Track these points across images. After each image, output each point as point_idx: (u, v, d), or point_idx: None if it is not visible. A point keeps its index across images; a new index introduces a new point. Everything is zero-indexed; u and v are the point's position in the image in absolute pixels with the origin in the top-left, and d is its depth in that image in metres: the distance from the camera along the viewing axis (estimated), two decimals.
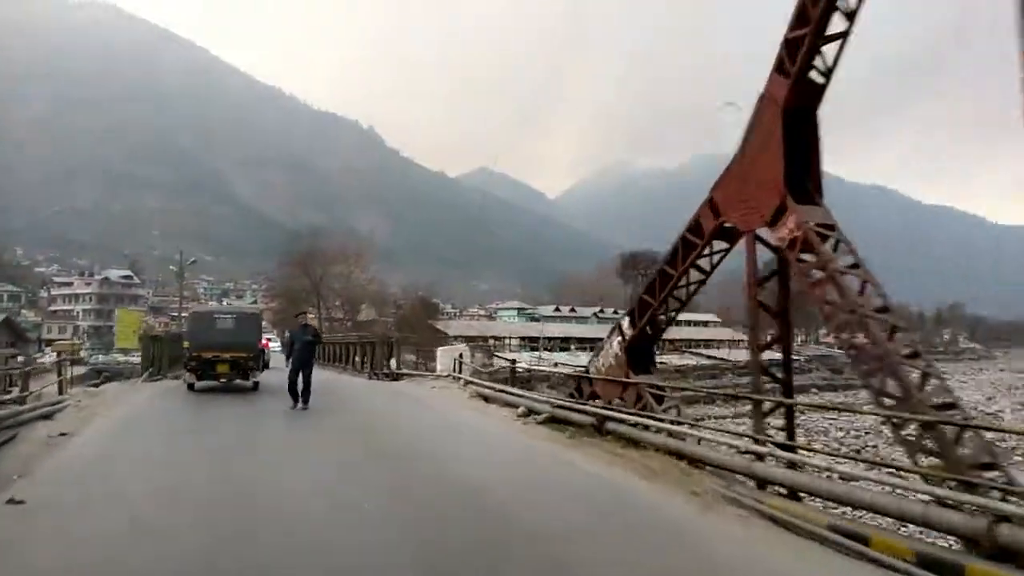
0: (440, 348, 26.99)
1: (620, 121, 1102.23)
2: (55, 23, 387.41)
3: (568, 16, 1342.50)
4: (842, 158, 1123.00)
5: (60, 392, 17.79)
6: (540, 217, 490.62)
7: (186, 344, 20.06)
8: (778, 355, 13.04)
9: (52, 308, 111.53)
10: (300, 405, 14.78)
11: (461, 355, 22.60)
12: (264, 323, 33.52)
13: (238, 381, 19.61)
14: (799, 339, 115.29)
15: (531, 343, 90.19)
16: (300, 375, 14.89)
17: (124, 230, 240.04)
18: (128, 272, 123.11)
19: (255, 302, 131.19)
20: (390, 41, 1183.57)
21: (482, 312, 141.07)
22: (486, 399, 16.66)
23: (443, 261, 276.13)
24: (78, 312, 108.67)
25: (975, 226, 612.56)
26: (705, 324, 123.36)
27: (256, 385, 19.56)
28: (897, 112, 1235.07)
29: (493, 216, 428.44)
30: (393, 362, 26.58)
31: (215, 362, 19.16)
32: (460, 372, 21.29)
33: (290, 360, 15.32)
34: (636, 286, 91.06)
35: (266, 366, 21.13)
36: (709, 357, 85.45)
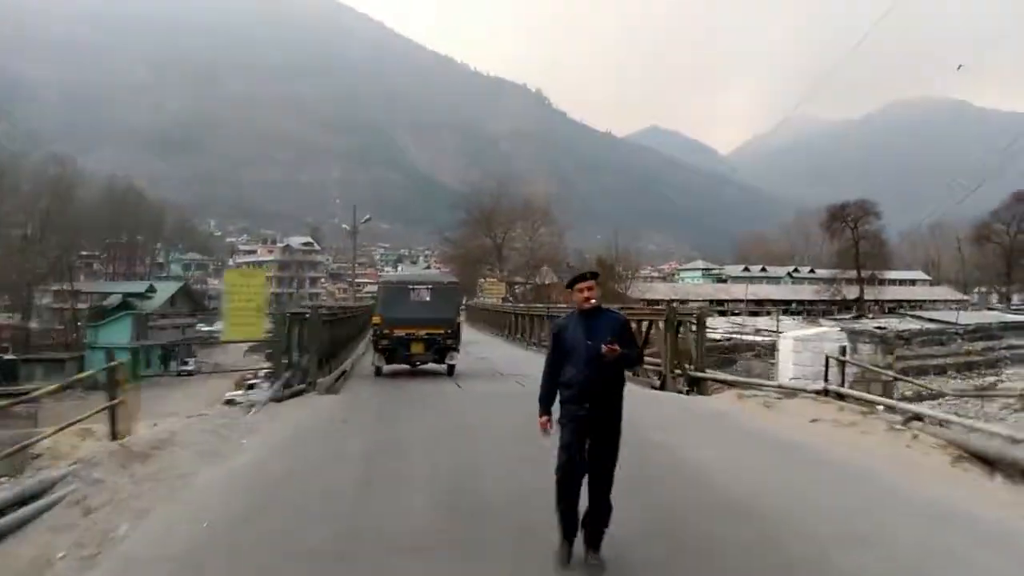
0: (785, 336, 17.88)
1: (798, 72, 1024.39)
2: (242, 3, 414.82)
3: None
4: None
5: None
6: (711, 175, 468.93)
7: (376, 320, 17.25)
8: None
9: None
10: (592, 558, 4.82)
11: (843, 349, 13.71)
12: None
13: (431, 365, 17.10)
14: None
15: (718, 307, 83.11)
16: (586, 457, 4.84)
17: (310, 200, 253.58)
18: (309, 239, 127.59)
19: (428, 267, 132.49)
20: (557, 2, 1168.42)
21: (655, 274, 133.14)
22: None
23: (612, 222, 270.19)
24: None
25: None
26: (912, 283, 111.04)
27: (451, 369, 16.98)
28: None
29: (662, 175, 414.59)
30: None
31: (409, 341, 16.63)
32: (838, 381, 11.95)
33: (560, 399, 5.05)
34: (843, 241, 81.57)
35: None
36: (933, 320, 74.38)
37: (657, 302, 73.18)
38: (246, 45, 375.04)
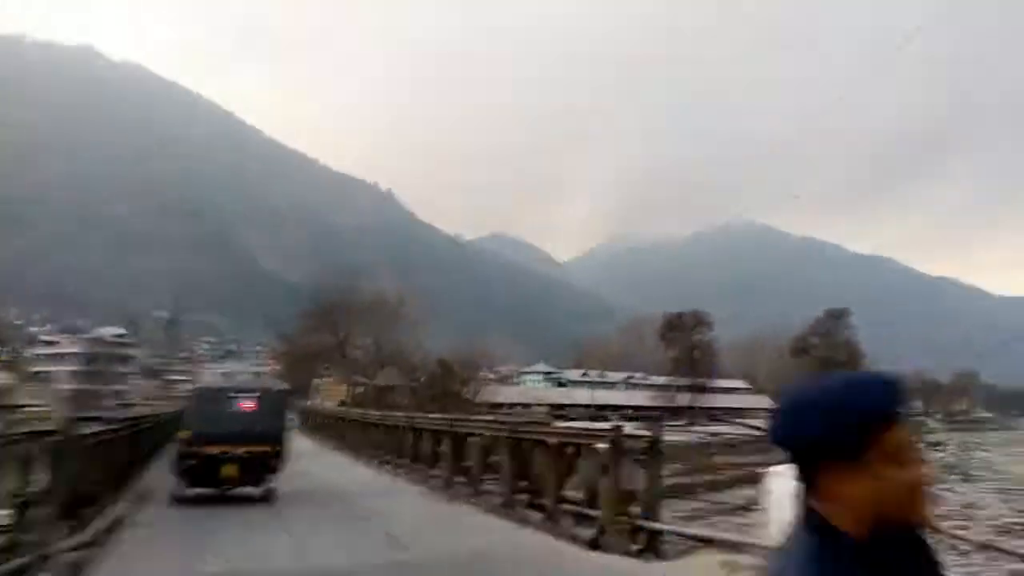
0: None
1: (631, 191, 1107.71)
2: (85, 82, 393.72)
3: (591, 87, 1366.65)
4: (845, 227, 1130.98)
5: None
6: (552, 280, 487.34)
7: (183, 435, 14.41)
8: None
9: (35, 369, 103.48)
10: None
11: None
12: None
13: (247, 488, 14.23)
14: None
15: (557, 411, 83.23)
16: None
17: (132, 289, 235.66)
18: (122, 330, 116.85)
19: (258, 365, 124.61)
20: (408, 106, 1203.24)
21: (491, 376, 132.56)
22: None
23: (456, 323, 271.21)
24: (61, 374, 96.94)
25: (978, 298, 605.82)
26: (734, 391, 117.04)
27: (270, 494, 14.17)
28: (901, 186, 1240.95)
29: (504, 279, 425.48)
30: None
31: (222, 461, 13.91)
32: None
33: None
34: (678, 348, 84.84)
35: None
36: (757, 428, 78.17)
37: (500, 405, 72.39)
38: (73, 122, 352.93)
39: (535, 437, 13.70)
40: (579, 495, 11.89)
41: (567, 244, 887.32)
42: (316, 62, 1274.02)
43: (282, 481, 14.90)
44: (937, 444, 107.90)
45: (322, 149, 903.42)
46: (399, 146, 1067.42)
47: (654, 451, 10.72)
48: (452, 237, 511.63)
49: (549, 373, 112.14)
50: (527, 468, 13.77)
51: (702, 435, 69.84)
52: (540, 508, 12.65)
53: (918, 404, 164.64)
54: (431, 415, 24.86)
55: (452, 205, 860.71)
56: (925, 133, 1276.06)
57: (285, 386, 18.72)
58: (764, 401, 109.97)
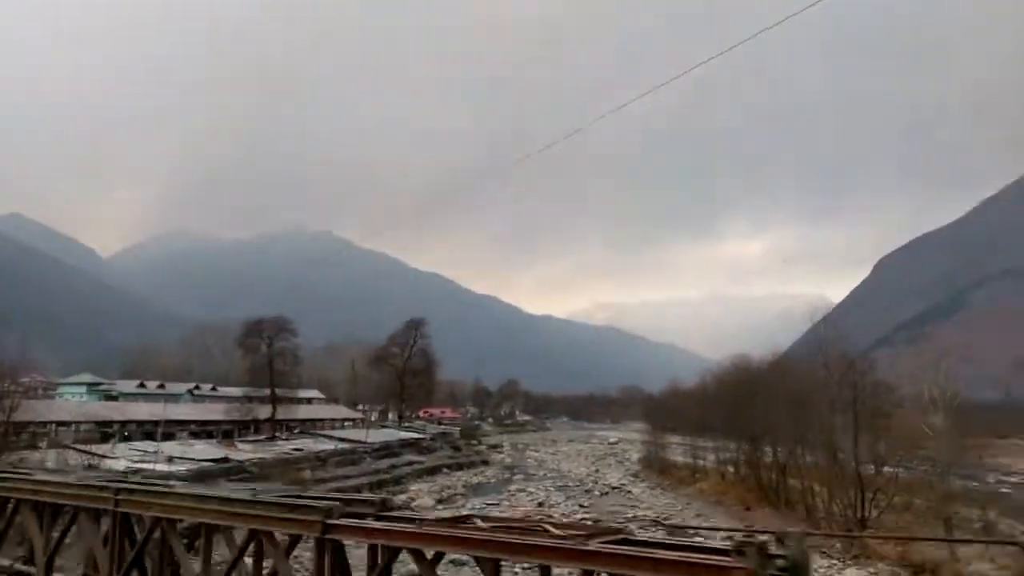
0: None
1: (185, 186, 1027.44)
2: None
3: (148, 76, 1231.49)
4: (408, 246, 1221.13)
5: None
6: (90, 278, 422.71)
7: None
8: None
9: None
10: None
11: None
12: None
13: None
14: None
15: (103, 428, 67.73)
16: None
17: None
18: None
19: None
20: None
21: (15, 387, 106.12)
22: None
23: None
24: None
25: (515, 315, 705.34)
26: (309, 401, 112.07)
27: None
28: (455, 212, 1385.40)
29: (23, 270, 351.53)
30: None
31: None
32: None
33: None
34: (259, 357, 76.10)
35: None
36: (343, 439, 73.45)
37: (27, 424, 55.53)
38: None
39: None
40: None
41: (109, 238, 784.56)
42: None
43: None
44: (496, 446, 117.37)
45: None
46: None
47: None
48: None
49: (96, 384, 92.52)
50: None
51: (289, 450, 62.72)
52: None
53: (475, 410, 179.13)
54: None
55: None
56: (477, 167, 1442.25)
57: None
58: (341, 411, 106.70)
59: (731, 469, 62.71)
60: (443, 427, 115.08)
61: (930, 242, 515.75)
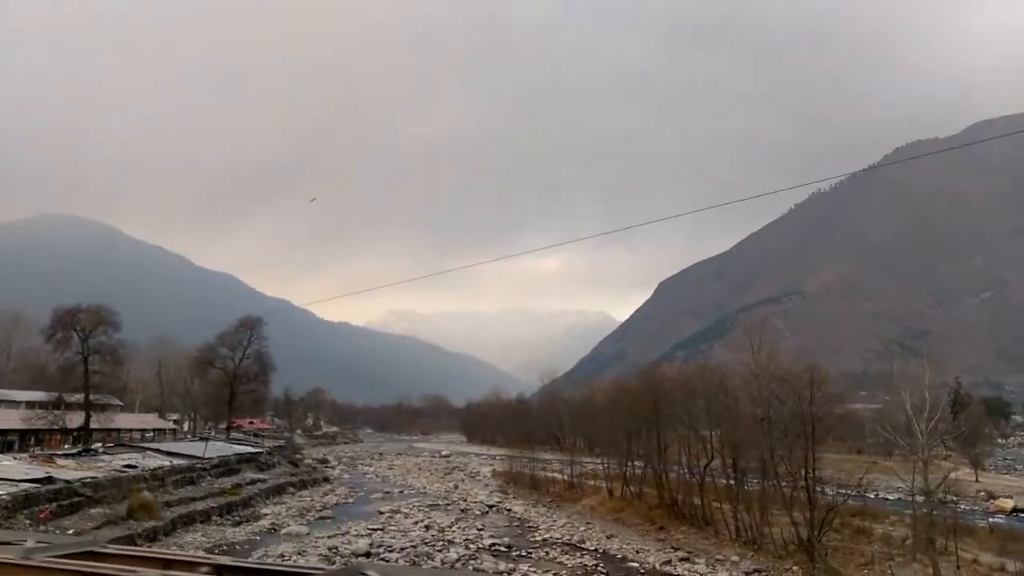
0: None
1: None
2: None
3: None
4: (196, 243, 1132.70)
5: None
6: None
7: None
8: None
9: None
10: None
11: None
12: None
13: None
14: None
15: None
16: None
17: None
18: None
19: None
20: None
21: None
22: None
23: None
24: None
25: (310, 322, 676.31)
26: (104, 407, 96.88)
27: None
28: (246, 213, 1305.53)
29: None
30: None
31: None
32: None
33: None
34: (68, 350, 63.28)
35: None
36: (176, 454, 62.30)
37: None
38: None
39: None
40: None
41: None
42: None
43: None
44: (324, 461, 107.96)
45: None
46: None
47: None
48: None
49: None
50: None
51: (121, 467, 51.61)
52: None
53: (284, 421, 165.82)
54: None
55: None
56: (272, 171, 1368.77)
57: None
58: (149, 420, 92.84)
59: (626, 486, 59.41)
60: (280, 441, 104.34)
61: (704, 268, 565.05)
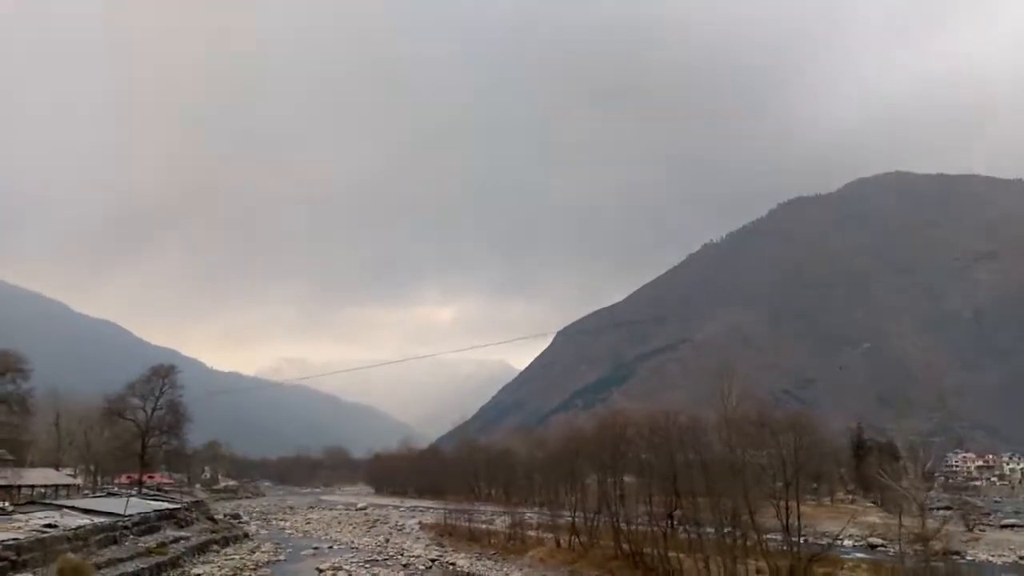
0: None
1: None
2: None
3: None
4: (74, 289, 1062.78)
5: None
6: None
7: None
8: None
9: None
10: None
11: None
12: None
13: None
14: None
15: None
16: None
17: None
18: None
19: None
20: None
21: None
22: None
23: None
24: None
25: (198, 372, 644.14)
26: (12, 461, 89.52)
27: None
28: (130, 260, 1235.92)
29: None
30: None
31: None
32: None
33: None
34: None
35: None
36: (93, 511, 57.66)
37: None
38: None
39: None
40: None
41: None
42: None
43: None
44: (236, 516, 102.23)
45: None
46: None
47: None
48: None
49: None
50: None
51: (40, 527, 47.44)
52: None
53: (182, 475, 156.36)
54: None
55: None
56: (156, 214, 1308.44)
57: None
58: (50, 476, 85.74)
59: (575, 536, 57.78)
60: (189, 496, 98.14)
61: (600, 318, 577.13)
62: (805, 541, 36.92)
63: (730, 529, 39.20)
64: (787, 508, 35.75)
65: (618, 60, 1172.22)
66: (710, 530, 41.91)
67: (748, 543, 37.91)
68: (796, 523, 35.55)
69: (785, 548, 38.22)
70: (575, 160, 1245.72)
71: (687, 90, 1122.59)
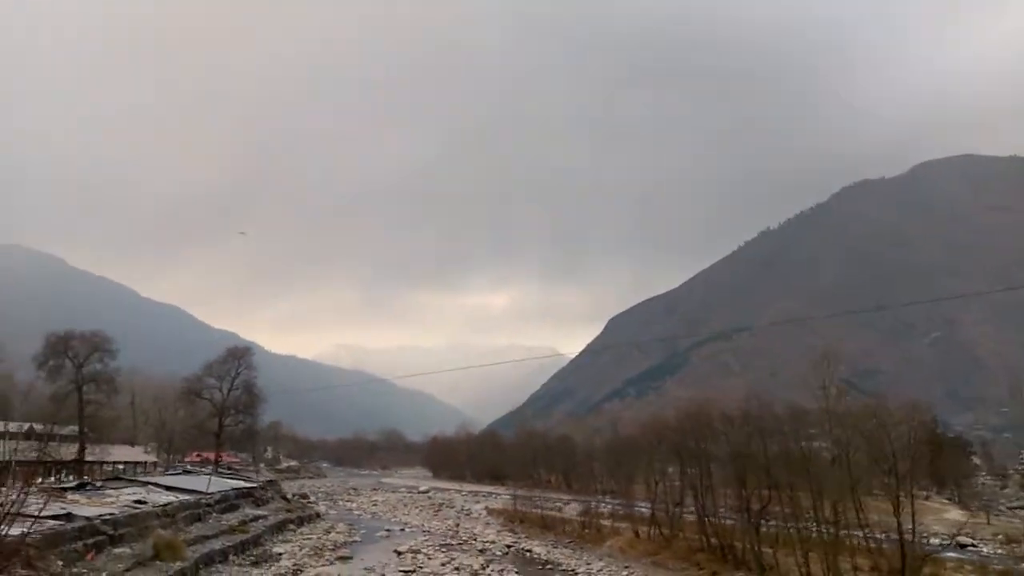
0: None
1: None
2: None
3: None
4: (142, 276, 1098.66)
5: None
6: None
7: None
8: None
9: None
10: None
11: None
12: None
13: None
14: None
15: None
16: None
17: None
18: None
19: None
20: None
21: None
22: None
23: None
24: None
25: (257, 354, 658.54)
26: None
27: None
28: (193, 245, 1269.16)
29: None
30: None
31: None
32: None
33: None
34: (60, 379, 60.01)
35: None
36: (176, 489, 58.90)
37: None
38: None
39: None
40: None
41: None
42: None
43: None
44: (304, 496, 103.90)
45: None
46: None
47: None
48: None
49: None
50: None
51: (131, 503, 48.52)
52: None
53: (246, 455, 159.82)
54: None
55: None
56: (219, 204, 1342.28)
57: None
58: (137, 453, 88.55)
59: (655, 527, 55.68)
60: (258, 475, 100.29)
61: (653, 305, 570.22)
62: (916, 540, 34.98)
63: (832, 525, 37.60)
64: (898, 504, 33.99)
65: (673, 39, 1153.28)
66: (806, 525, 40.18)
67: (854, 540, 36.38)
68: (911, 521, 33.64)
69: (885, 547, 36.72)
70: (627, 145, 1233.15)
71: (745, 71, 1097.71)
